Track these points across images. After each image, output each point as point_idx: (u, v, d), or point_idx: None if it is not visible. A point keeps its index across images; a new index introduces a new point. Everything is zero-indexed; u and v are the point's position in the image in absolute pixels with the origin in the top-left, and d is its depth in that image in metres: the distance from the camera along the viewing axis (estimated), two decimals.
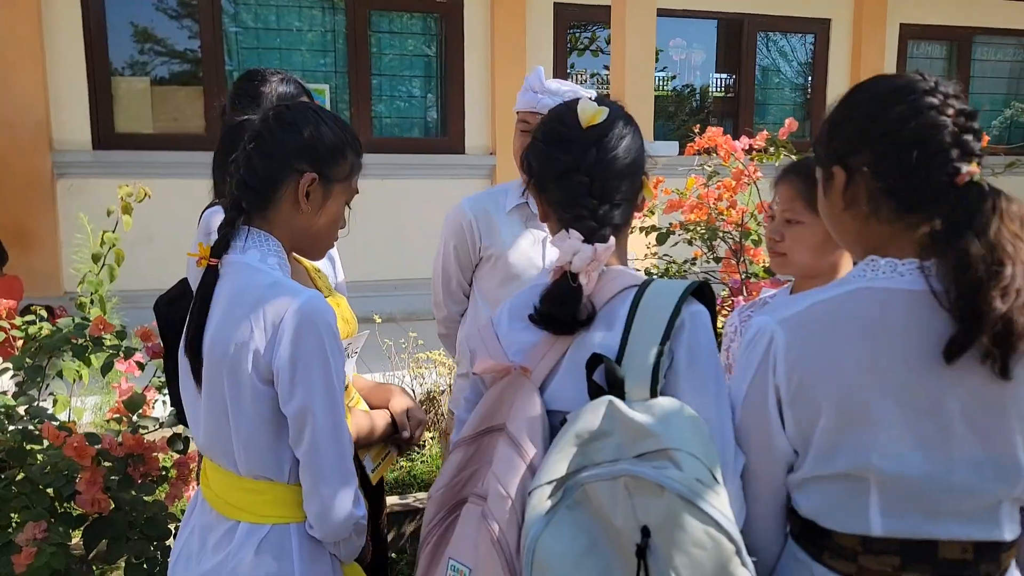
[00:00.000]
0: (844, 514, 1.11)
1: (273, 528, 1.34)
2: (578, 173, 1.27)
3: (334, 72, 6.35)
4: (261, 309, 1.29)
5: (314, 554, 1.36)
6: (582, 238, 1.23)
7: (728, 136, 2.90)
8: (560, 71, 6.82)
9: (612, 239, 1.26)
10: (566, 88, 2.14)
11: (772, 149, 2.82)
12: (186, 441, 2.56)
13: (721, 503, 1.04)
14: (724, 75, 7.47)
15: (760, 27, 7.35)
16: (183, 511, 2.63)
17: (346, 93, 6.37)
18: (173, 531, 2.47)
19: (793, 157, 2.82)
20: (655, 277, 1.36)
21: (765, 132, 2.86)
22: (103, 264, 2.67)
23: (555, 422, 1.21)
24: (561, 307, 1.23)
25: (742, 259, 2.99)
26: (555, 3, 6.70)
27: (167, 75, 6.07)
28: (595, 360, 1.19)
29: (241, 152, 1.40)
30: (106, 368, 2.41)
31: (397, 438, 1.68)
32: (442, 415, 4.09)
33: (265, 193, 1.38)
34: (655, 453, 1.07)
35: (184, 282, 2.13)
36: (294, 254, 1.47)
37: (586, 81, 7.05)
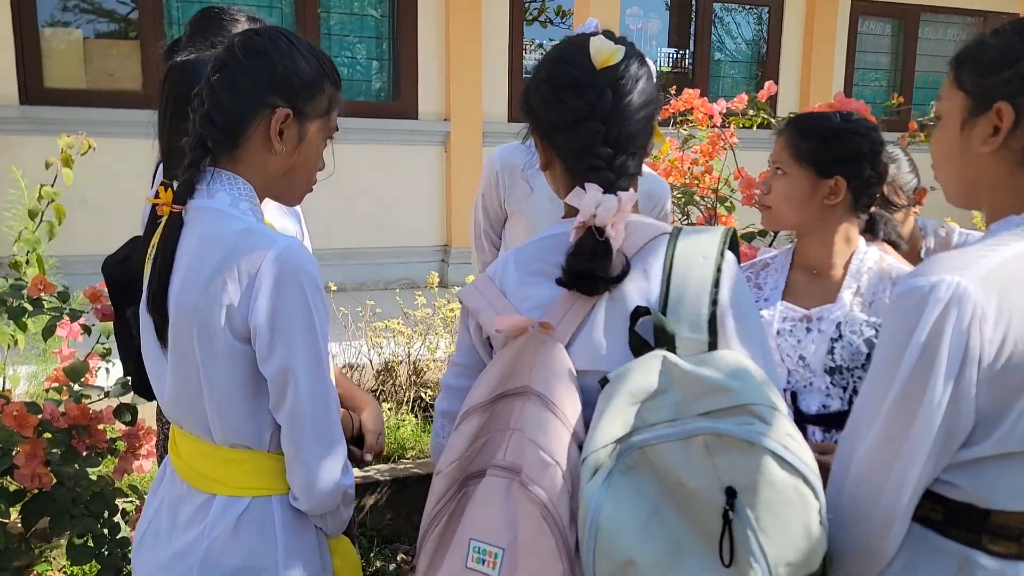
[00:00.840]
0: (1013, 490, 1.02)
1: (253, 501, 1.22)
2: (592, 120, 1.16)
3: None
4: (234, 258, 1.15)
5: (298, 528, 1.24)
6: (601, 190, 1.14)
7: (705, 99, 2.82)
8: (516, 39, 6.66)
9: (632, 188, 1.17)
10: None
11: (752, 112, 2.76)
12: (134, 412, 2.39)
13: (808, 456, 0.98)
14: (676, 48, 7.42)
15: None
16: (131, 487, 2.47)
17: None
18: (121, 507, 2.32)
19: (773, 121, 2.75)
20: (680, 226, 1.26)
21: (744, 95, 2.79)
22: (40, 221, 2.45)
23: (587, 382, 1.12)
24: (593, 264, 1.13)
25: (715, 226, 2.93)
26: None
27: (102, 28, 5.70)
28: (636, 313, 1.11)
29: (205, 84, 1.24)
30: (47, 332, 2.22)
31: (352, 451, 1.49)
32: (400, 386, 3.97)
33: (233, 130, 1.23)
34: (732, 409, 1.00)
35: (134, 241, 1.97)
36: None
37: (535, 51, 6.90)
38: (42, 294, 2.22)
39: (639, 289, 1.15)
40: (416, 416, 3.90)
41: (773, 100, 3.42)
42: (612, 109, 1.16)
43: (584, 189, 1.14)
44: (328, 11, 6.21)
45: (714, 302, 1.12)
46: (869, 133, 1.65)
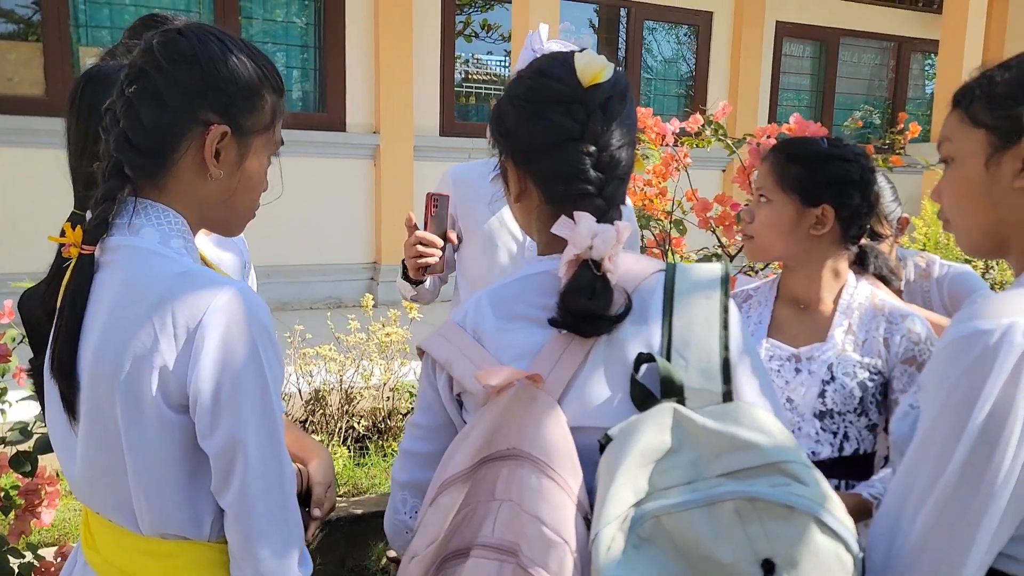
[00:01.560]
0: None
1: None
2: (582, 141, 1.03)
3: None
4: (168, 309, 0.94)
5: None
6: (594, 219, 1.00)
7: (658, 118, 2.72)
8: (448, 50, 6.50)
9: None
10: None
11: (708, 132, 2.66)
12: (34, 461, 2.11)
13: (847, 518, 0.86)
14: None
15: (645, 16, 7.33)
16: (29, 546, 2.18)
17: None
18: (16, 569, 2.04)
19: (728, 142, 2.67)
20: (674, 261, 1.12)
21: (698, 116, 2.70)
22: None
23: (583, 441, 0.97)
24: (594, 300, 0.99)
25: (668, 249, 2.83)
26: None
27: (1, 29, 5.27)
28: (639, 360, 0.99)
29: (118, 98, 1.02)
30: None
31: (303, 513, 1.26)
32: (331, 416, 3.74)
33: (157, 154, 1.01)
34: (760, 469, 0.87)
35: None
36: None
37: (469, 63, 6.76)
38: None
39: (638, 332, 1.02)
40: (348, 448, 3.67)
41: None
42: (602, 130, 1.03)
43: (572, 219, 1.00)
44: (250, 17, 5.92)
45: (726, 346, 1.01)
46: (858, 159, 1.55)
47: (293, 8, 6.07)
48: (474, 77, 6.80)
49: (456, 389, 1.08)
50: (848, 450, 1.52)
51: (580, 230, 0.99)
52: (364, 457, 3.67)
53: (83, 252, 0.98)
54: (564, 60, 1.07)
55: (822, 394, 1.52)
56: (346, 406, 3.75)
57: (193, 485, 0.98)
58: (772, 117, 8.02)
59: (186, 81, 1.00)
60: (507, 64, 6.93)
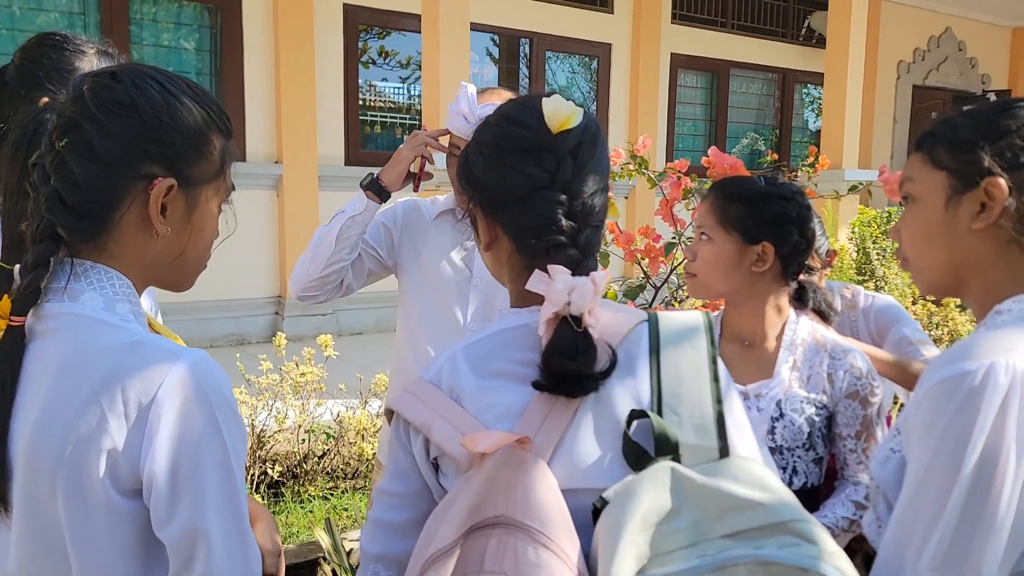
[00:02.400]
0: None
1: None
2: (552, 190, 0.99)
3: None
4: (118, 384, 0.85)
5: None
6: (569, 272, 0.96)
7: None
8: (351, 76, 6.39)
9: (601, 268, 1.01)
10: None
11: (632, 167, 2.69)
12: None
13: (852, 569, 0.84)
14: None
15: (547, 46, 7.45)
16: None
17: None
18: None
19: (651, 174, 2.71)
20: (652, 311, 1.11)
21: (619, 149, 2.73)
22: None
23: (574, 504, 0.92)
24: (578, 360, 0.95)
25: None
26: (344, 4, 6.27)
27: None
28: (631, 417, 0.95)
29: (48, 152, 0.91)
30: None
31: None
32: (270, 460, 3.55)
33: (96, 216, 0.92)
34: (765, 529, 0.85)
35: None
36: None
37: (370, 90, 6.67)
38: None
39: (626, 387, 0.99)
40: (262, 495, 3.49)
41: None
42: (573, 177, 1.00)
43: (546, 272, 0.97)
44: (140, 43, 5.65)
45: (718, 400, 0.98)
46: (796, 197, 1.59)
47: (185, 33, 5.84)
48: (375, 105, 6.71)
49: (433, 453, 1.02)
50: (797, 484, 1.54)
51: (556, 286, 0.95)
52: (279, 504, 3.50)
53: (12, 324, 0.87)
54: (532, 106, 1.03)
55: (772, 430, 1.53)
56: (258, 451, 3.57)
57: None
58: (669, 144, 8.29)
59: (124, 133, 0.91)
60: (410, 92, 6.88)
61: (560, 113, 1.01)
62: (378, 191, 1.92)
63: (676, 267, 2.83)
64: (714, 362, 1.01)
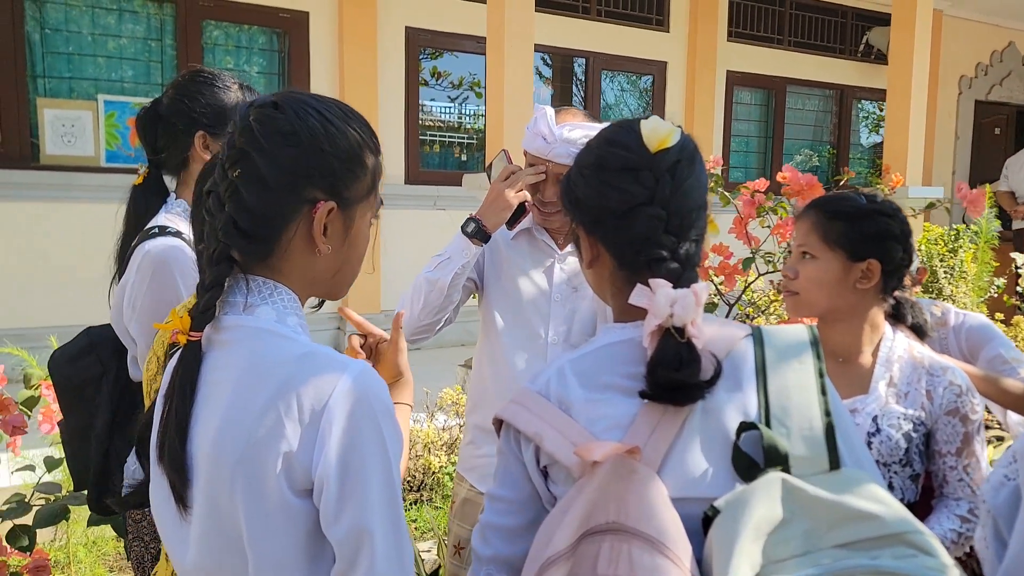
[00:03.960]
0: None
1: None
2: (651, 206, 1.04)
3: (160, 87, 5.66)
4: (292, 391, 0.92)
5: None
6: (670, 285, 1.01)
7: None
8: (412, 97, 6.53)
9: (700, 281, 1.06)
10: (579, 135, 1.82)
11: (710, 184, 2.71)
12: (32, 536, 2.00)
13: None
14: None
15: (602, 66, 7.51)
16: None
17: None
18: None
19: (724, 193, 2.73)
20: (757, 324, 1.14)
21: None
22: None
23: (685, 512, 0.95)
24: (683, 371, 0.98)
25: None
26: (407, 27, 6.42)
27: None
28: (741, 428, 0.98)
29: (221, 180, 1.00)
30: None
31: None
32: None
33: (267, 240, 1.00)
34: (880, 540, 0.86)
35: (88, 333, 1.66)
36: None
37: (431, 111, 6.80)
38: None
39: (734, 400, 1.02)
40: None
41: None
42: (672, 194, 1.05)
43: (648, 286, 1.01)
44: (213, 66, 5.83)
45: (827, 412, 1.01)
46: (896, 214, 1.61)
47: (255, 57, 6.03)
48: (433, 125, 6.84)
49: (543, 461, 1.06)
50: None
51: (658, 299, 0.99)
52: None
53: (191, 339, 0.95)
54: (631, 128, 1.09)
55: (868, 445, 1.54)
56: None
57: (313, 572, 0.94)
58: (725, 162, 8.25)
59: (289, 161, 0.98)
60: (466, 112, 6.99)
61: (658, 133, 1.07)
62: (484, 238, 1.89)
63: (750, 284, 2.84)
64: (821, 375, 1.03)
